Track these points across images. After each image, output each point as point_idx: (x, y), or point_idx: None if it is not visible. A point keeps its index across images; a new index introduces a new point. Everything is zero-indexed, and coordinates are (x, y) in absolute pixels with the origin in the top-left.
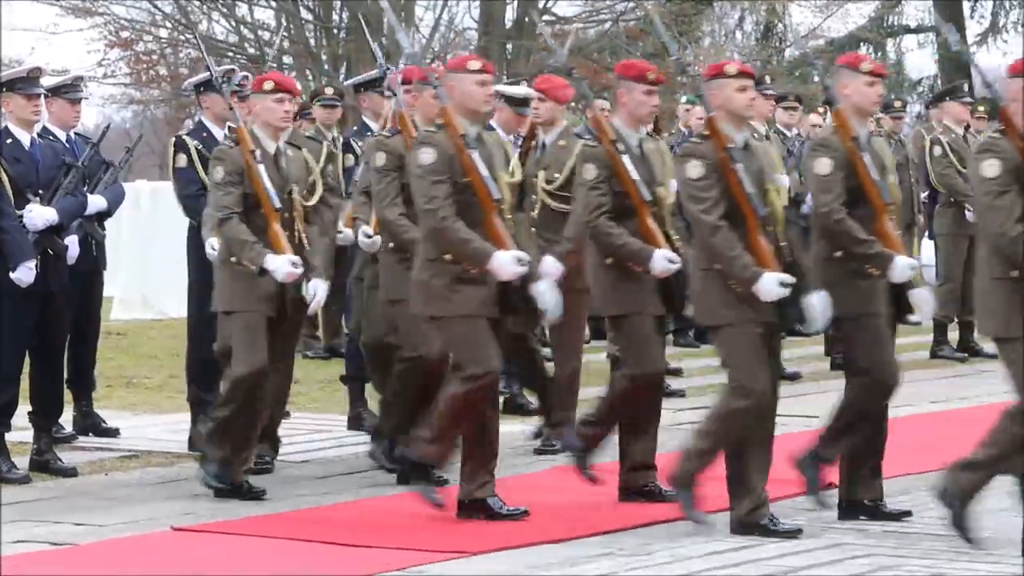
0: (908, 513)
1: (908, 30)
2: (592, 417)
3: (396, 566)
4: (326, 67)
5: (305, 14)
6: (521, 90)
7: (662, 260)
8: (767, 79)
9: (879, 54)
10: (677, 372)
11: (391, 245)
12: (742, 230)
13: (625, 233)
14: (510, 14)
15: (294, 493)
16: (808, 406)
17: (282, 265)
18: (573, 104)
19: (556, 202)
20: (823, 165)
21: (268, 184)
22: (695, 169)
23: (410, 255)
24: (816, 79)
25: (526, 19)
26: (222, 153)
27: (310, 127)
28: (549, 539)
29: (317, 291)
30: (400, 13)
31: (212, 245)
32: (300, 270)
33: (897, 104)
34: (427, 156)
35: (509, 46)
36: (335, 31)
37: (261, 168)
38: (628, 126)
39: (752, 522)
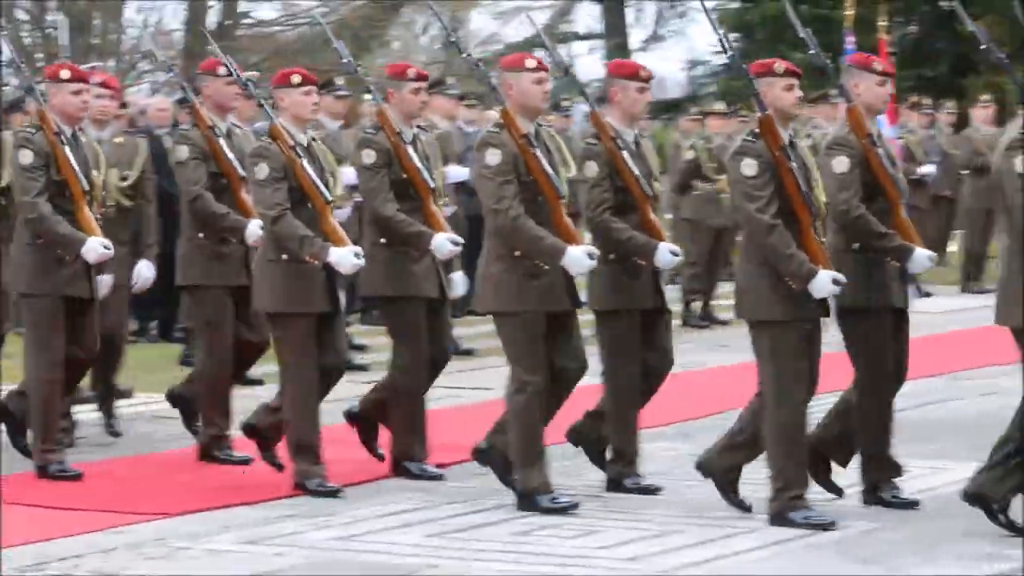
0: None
1: (578, 37)
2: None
3: (98, 527)
4: (40, 66)
5: (20, 14)
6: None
7: (666, 252)
8: (447, 80)
9: (552, 60)
10: (362, 348)
11: (383, 241)
12: (794, 228)
13: (629, 228)
14: (213, 16)
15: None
16: (481, 380)
17: (346, 257)
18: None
19: (130, 200)
20: (841, 163)
21: (316, 178)
22: (750, 167)
23: (412, 248)
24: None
25: (228, 21)
26: (264, 150)
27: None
28: (241, 501)
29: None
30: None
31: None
32: (363, 261)
33: (566, 104)
34: (493, 157)
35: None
36: (49, 31)
37: (305, 162)
38: (623, 123)
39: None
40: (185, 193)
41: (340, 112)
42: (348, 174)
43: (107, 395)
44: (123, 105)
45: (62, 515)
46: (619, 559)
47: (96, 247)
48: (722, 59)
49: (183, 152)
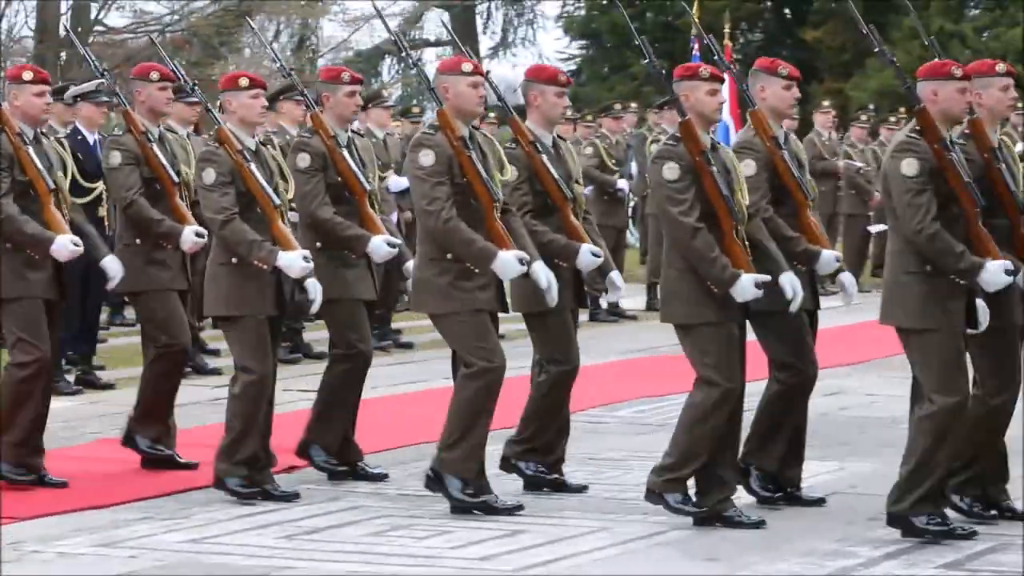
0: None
1: (428, 43)
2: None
3: None
4: None
5: None
6: (91, 85)
7: (588, 254)
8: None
9: (401, 65)
10: (216, 352)
11: (318, 245)
12: (716, 232)
13: (550, 231)
14: (65, 23)
15: None
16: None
17: (295, 261)
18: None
19: None
20: (748, 167)
21: (264, 182)
22: (672, 171)
23: (349, 251)
24: None
25: (79, 28)
26: (212, 155)
27: None
28: (93, 504)
29: None
30: None
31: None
32: (312, 265)
33: (415, 110)
34: (427, 158)
35: (63, 54)
36: None
37: (253, 167)
38: (541, 127)
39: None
40: (119, 199)
41: (190, 118)
42: (397, 182)
43: None
44: None
45: None
46: (470, 559)
47: (66, 244)
48: (570, 65)
49: (116, 158)
